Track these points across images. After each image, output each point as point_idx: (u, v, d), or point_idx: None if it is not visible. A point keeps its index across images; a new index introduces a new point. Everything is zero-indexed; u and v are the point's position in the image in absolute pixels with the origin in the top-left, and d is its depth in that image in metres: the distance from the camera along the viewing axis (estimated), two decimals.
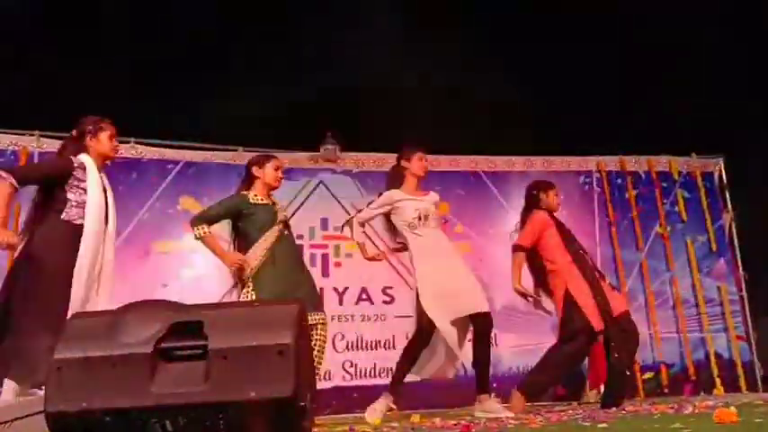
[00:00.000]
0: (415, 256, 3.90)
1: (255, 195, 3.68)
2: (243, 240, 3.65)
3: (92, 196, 3.14)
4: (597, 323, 3.97)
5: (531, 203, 4.49)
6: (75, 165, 3.18)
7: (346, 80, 8.23)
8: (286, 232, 3.73)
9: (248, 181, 3.79)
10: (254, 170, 3.75)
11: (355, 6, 8.08)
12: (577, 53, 8.64)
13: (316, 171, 6.54)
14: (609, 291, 4.24)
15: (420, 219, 3.94)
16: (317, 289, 3.98)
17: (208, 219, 3.60)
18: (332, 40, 8.26)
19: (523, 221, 4.45)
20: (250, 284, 3.47)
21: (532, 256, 4.36)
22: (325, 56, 8.43)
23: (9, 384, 2.84)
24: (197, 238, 3.57)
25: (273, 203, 3.77)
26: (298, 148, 6.64)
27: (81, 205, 3.13)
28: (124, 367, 1.55)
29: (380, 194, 4.18)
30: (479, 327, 3.74)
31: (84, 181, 3.16)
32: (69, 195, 3.13)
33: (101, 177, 3.28)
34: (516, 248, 4.35)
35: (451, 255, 4.00)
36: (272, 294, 3.34)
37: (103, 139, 3.33)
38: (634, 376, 4.53)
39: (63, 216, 3.10)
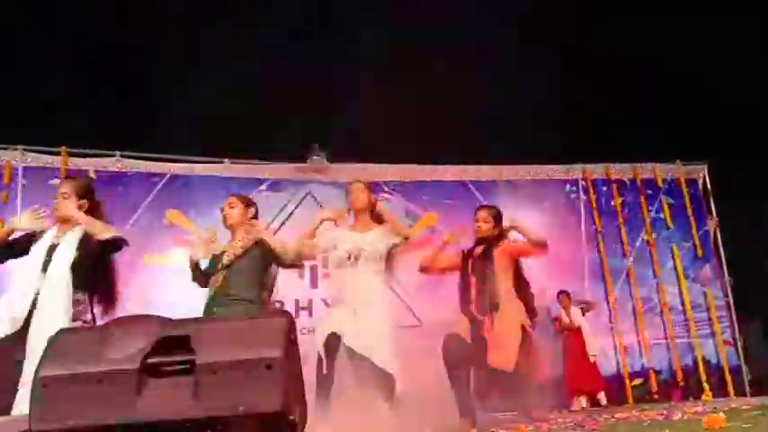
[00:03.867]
0: (336, 297, 3.74)
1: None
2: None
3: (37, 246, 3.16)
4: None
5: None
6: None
7: (332, 91, 8.25)
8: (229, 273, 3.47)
9: None
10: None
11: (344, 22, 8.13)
12: (562, 61, 8.73)
13: (303, 182, 6.54)
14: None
15: (349, 258, 3.69)
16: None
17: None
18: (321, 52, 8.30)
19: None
20: None
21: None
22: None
23: None
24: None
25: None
26: (285, 159, 6.65)
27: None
28: (111, 384, 1.53)
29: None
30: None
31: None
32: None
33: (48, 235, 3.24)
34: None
35: (370, 304, 3.62)
36: None
37: (69, 206, 3.26)
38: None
39: None
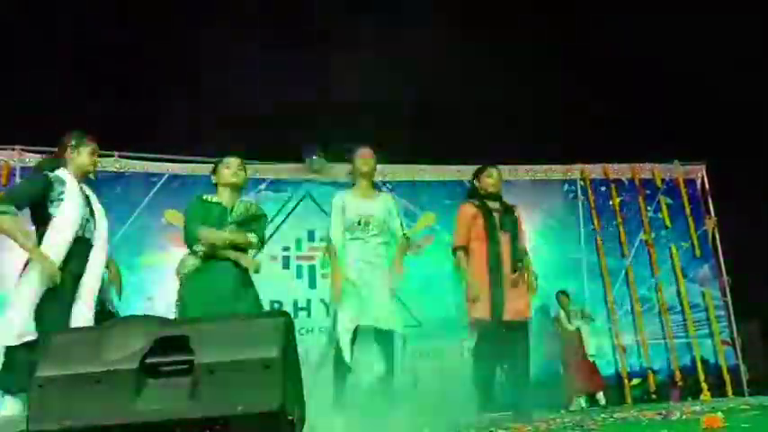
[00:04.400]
0: (340, 264, 3.72)
1: (212, 197, 3.52)
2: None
3: (68, 209, 3.13)
4: (483, 312, 3.78)
5: (471, 188, 4.33)
6: (52, 180, 3.15)
7: (332, 92, 8.25)
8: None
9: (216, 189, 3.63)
10: (213, 179, 3.61)
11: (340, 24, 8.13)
12: (559, 61, 8.73)
13: (302, 182, 6.54)
14: (514, 291, 3.91)
15: (359, 223, 3.74)
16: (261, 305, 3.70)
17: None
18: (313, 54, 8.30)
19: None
20: (180, 293, 3.30)
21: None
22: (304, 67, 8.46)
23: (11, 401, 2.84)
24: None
25: (231, 206, 3.50)
26: (284, 159, 6.64)
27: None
28: (108, 384, 1.52)
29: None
30: (383, 342, 3.57)
31: (61, 194, 3.14)
32: (51, 211, 3.12)
33: (80, 189, 3.27)
34: (454, 250, 4.06)
35: (376, 268, 3.72)
36: (196, 310, 3.12)
37: (84, 154, 3.31)
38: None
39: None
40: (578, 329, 6.35)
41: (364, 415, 3.19)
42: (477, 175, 4.26)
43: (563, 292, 6.48)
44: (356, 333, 3.60)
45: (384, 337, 3.62)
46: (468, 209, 4.10)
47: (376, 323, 3.60)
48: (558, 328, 6.44)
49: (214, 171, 3.62)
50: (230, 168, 3.55)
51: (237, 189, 3.57)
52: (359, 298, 3.64)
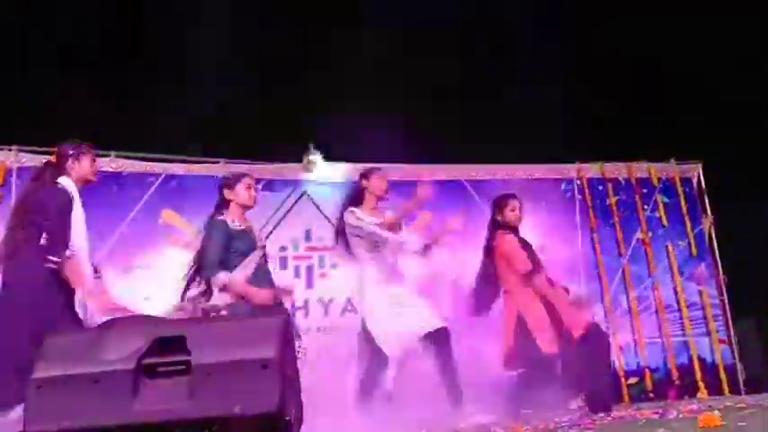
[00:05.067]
0: (366, 283, 3.82)
1: (233, 221, 3.52)
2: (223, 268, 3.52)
3: (78, 225, 3.13)
4: (548, 347, 3.83)
5: (492, 220, 4.41)
6: (70, 195, 3.14)
7: (326, 90, 8.25)
8: (263, 259, 3.63)
9: (222, 204, 3.65)
10: (226, 193, 3.60)
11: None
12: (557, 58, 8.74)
13: (299, 182, 6.53)
14: (568, 307, 4.08)
15: (377, 243, 3.81)
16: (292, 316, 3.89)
17: (216, 264, 3.43)
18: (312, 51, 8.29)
19: (488, 239, 4.35)
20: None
21: (488, 271, 4.23)
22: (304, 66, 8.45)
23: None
24: (222, 289, 3.39)
25: (252, 230, 3.64)
26: (281, 158, 6.63)
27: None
28: (106, 384, 1.52)
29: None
30: (436, 344, 3.67)
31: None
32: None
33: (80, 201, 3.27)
34: (529, 275, 4.09)
35: (401, 279, 3.88)
36: None
37: (85, 164, 3.30)
38: (612, 382, 4.42)
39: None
40: None
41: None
42: (500, 206, 4.37)
43: (564, 288, 6.44)
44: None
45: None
46: (511, 240, 4.24)
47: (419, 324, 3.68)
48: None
49: (228, 186, 3.61)
50: (251, 189, 3.57)
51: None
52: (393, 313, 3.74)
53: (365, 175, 4.07)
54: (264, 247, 3.68)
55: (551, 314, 3.91)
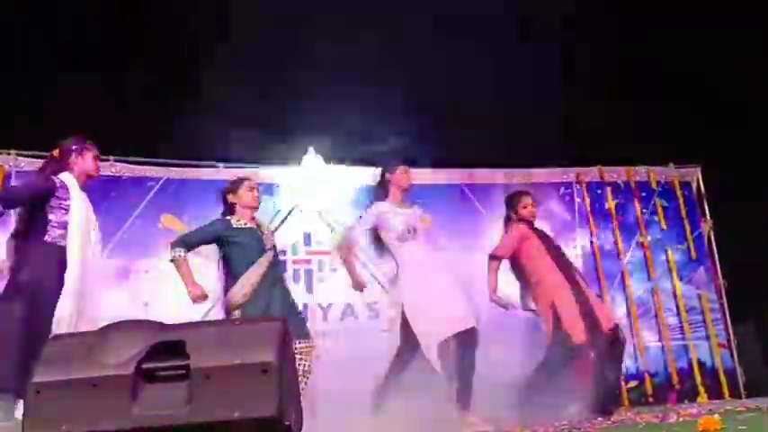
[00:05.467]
0: (404, 270, 3.85)
1: (239, 220, 3.62)
2: (228, 267, 3.58)
3: (74, 215, 3.12)
4: (579, 336, 3.90)
5: (507, 216, 4.52)
6: (57, 184, 3.15)
7: (327, 93, 8.25)
8: (275, 258, 3.66)
9: (229, 209, 3.74)
10: (230, 197, 3.69)
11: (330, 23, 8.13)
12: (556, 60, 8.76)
13: (298, 185, 6.52)
14: (597, 302, 4.21)
15: (409, 231, 3.88)
16: (302, 315, 3.92)
17: (187, 243, 3.53)
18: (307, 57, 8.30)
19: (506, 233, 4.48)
20: (237, 314, 3.41)
21: (516, 267, 4.36)
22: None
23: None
24: (171, 261, 3.52)
25: (260, 227, 3.70)
26: (280, 162, 6.64)
27: (63, 225, 3.10)
28: (105, 389, 1.52)
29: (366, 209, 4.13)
30: (464, 342, 3.69)
31: (66, 200, 3.13)
32: (50, 216, 3.10)
33: (83, 195, 3.27)
34: (490, 258, 4.35)
35: (440, 269, 3.94)
36: None
37: (88, 159, 3.32)
38: (620, 386, 4.49)
39: (46, 238, 3.07)
40: None
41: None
42: (513, 204, 4.48)
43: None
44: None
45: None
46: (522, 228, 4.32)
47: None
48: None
49: (232, 191, 3.68)
50: (253, 191, 3.65)
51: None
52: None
53: (388, 169, 4.12)
54: (274, 248, 3.65)
55: (582, 306, 3.95)
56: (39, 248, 3.05)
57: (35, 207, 3.10)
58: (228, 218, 3.65)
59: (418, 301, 3.72)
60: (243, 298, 3.38)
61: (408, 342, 3.72)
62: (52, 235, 3.08)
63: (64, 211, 3.11)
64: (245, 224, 3.60)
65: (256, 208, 3.71)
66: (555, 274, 4.14)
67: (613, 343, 4.00)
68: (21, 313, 2.91)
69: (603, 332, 3.96)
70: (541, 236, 4.40)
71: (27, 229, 3.12)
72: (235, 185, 3.72)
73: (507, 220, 4.52)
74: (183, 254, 3.47)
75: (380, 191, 4.14)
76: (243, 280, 3.42)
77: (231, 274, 3.53)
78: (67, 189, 3.15)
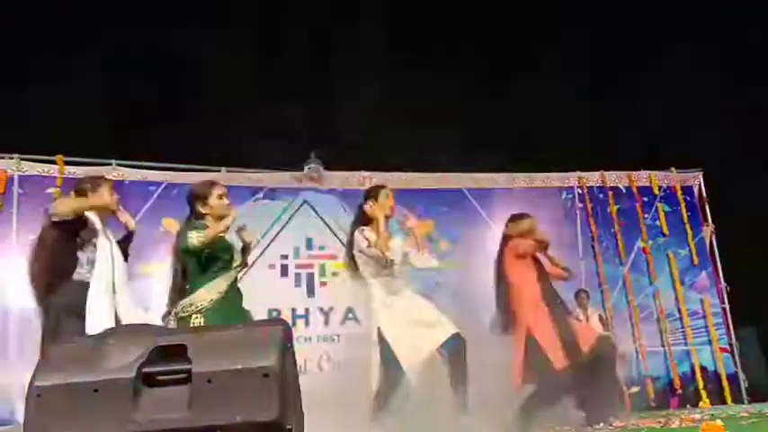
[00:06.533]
0: (375, 300, 3.76)
1: (206, 234, 3.21)
2: (185, 278, 3.37)
3: (100, 254, 3.15)
4: (560, 361, 3.78)
5: (502, 240, 4.31)
6: (87, 224, 3.18)
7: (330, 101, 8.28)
8: (239, 275, 3.43)
9: (195, 216, 3.39)
10: (199, 207, 3.35)
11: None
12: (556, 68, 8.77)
13: (299, 190, 6.53)
14: (575, 323, 4.10)
15: (386, 264, 3.74)
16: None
17: (174, 300, 3.38)
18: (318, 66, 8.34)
19: (498, 255, 4.28)
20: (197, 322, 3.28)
21: (500, 282, 4.18)
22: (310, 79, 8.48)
23: None
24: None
25: (229, 244, 3.38)
26: (281, 167, 6.65)
27: (90, 262, 3.15)
28: (106, 393, 1.52)
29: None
30: (451, 352, 3.66)
31: (92, 239, 3.17)
32: (79, 254, 3.14)
33: (105, 230, 3.29)
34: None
35: (414, 296, 3.83)
36: None
37: (104, 194, 3.32)
38: (619, 392, 4.43)
39: (75, 277, 3.12)
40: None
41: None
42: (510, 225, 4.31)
43: (584, 291, 6.30)
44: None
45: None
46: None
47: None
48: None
49: (200, 199, 3.38)
50: (223, 198, 3.37)
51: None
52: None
53: (371, 194, 3.99)
54: (243, 265, 3.43)
55: (560, 330, 3.87)
56: (69, 287, 3.08)
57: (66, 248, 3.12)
58: (191, 235, 3.23)
59: (392, 332, 3.67)
60: (209, 303, 3.24)
61: (387, 367, 3.66)
62: (81, 273, 3.12)
63: (92, 248, 3.15)
64: (215, 236, 3.22)
65: (227, 215, 3.29)
66: (537, 300, 3.98)
67: (595, 360, 3.85)
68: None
69: (587, 352, 3.82)
70: (534, 257, 4.20)
71: (56, 268, 3.12)
72: (202, 192, 3.40)
73: (503, 241, 4.29)
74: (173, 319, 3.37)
75: (363, 215, 3.99)
76: (202, 291, 3.27)
77: (192, 283, 3.36)
78: (91, 227, 3.19)
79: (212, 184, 3.48)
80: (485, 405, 3.57)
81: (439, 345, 3.64)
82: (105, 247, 3.19)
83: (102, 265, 3.16)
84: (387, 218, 3.92)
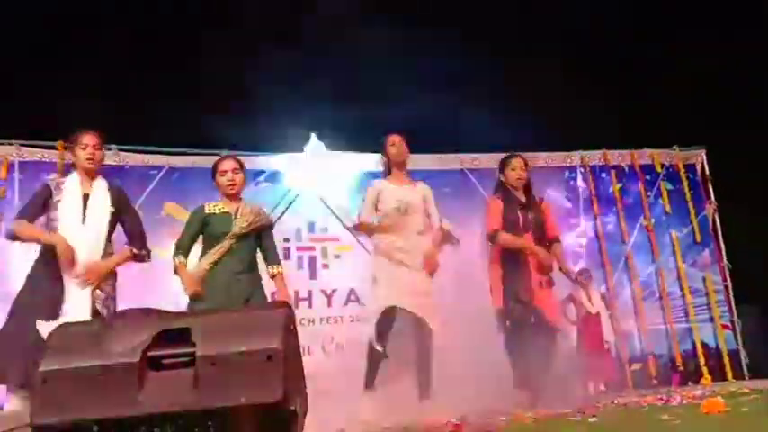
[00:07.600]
0: (378, 252, 3.78)
1: (215, 205, 3.50)
2: (202, 251, 3.50)
3: (61, 209, 3.17)
4: (496, 300, 3.81)
5: (496, 187, 4.28)
6: (52, 186, 3.21)
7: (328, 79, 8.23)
8: (237, 244, 3.45)
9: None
10: (215, 182, 3.58)
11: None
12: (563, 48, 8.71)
13: (302, 173, 6.51)
14: (537, 284, 3.87)
15: (400, 210, 3.75)
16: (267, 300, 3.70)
17: (183, 248, 3.44)
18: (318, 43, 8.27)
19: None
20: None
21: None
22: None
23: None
24: (174, 272, 3.45)
25: (236, 212, 3.49)
26: (284, 149, 6.63)
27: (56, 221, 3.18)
28: (111, 377, 1.53)
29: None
30: (421, 340, 3.63)
31: (58, 198, 3.19)
32: (51, 214, 3.18)
33: (81, 184, 3.28)
34: (488, 238, 4.04)
35: (415, 257, 3.75)
36: None
37: (78, 153, 3.32)
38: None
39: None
40: (598, 314, 6.16)
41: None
42: (501, 168, 4.20)
43: (587, 270, 6.29)
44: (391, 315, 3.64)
45: (418, 325, 3.63)
46: (497, 203, 4.07)
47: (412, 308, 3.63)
48: (575, 309, 6.21)
49: (213, 175, 3.58)
50: (225, 176, 3.50)
51: (237, 196, 3.54)
52: (396, 277, 3.66)
53: (384, 147, 3.98)
54: (241, 233, 3.45)
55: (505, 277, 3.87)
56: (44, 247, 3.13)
57: (40, 211, 3.18)
58: (203, 204, 3.54)
59: (390, 273, 3.69)
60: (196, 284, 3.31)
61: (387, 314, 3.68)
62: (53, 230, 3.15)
63: (55, 209, 3.16)
64: (221, 209, 3.48)
65: (231, 194, 3.49)
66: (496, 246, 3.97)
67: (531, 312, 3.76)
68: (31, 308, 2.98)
69: (522, 301, 3.78)
70: (511, 203, 4.05)
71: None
72: (213, 169, 3.60)
73: (495, 188, 4.26)
74: (181, 259, 3.41)
75: (384, 170, 4.03)
76: (196, 267, 3.37)
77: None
78: (60, 188, 3.19)
79: (222, 160, 3.59)
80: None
81: (418, 314, 3.63)
82: (66, 204, 3.18)
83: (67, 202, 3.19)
84: (401, 165, 3.94)
